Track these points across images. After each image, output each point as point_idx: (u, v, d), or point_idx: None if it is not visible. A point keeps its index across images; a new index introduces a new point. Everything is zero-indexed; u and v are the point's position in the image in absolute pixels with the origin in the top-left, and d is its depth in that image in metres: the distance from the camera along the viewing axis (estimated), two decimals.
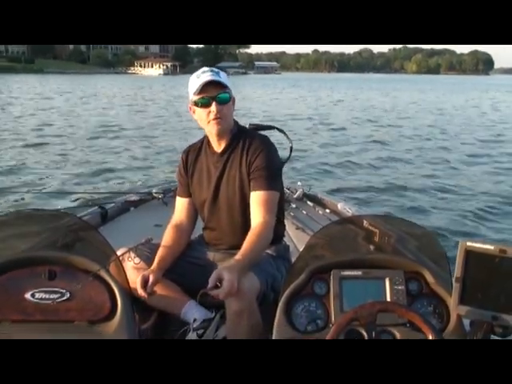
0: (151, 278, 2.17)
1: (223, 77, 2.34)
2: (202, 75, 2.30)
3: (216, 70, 2.36)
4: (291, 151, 3.40)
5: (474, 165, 11.92)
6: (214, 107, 2.28)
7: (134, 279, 2.16)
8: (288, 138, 3.45)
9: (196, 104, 2.33)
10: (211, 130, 2.36)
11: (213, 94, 2.28)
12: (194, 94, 2.31)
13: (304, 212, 4.01)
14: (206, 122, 2.33)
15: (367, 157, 12.45)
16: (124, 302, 1.75)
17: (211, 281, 1.94)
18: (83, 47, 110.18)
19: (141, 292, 2.15)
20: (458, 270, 1.46)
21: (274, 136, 2.71)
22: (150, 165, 10.99)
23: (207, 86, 2.27)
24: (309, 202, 4.29)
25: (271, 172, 2.33)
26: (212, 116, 2.30)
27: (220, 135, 2.37)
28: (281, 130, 3.38)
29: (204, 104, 2.30)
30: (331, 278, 1.76)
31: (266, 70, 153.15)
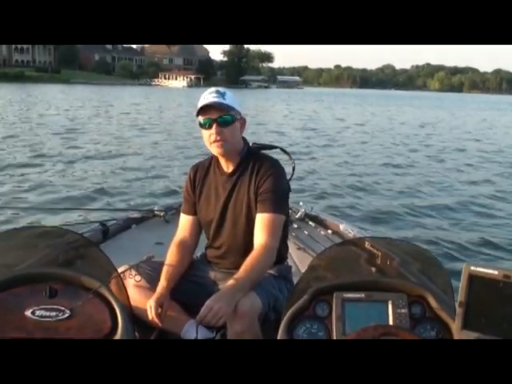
0: (165, 305, 2.17)
1: (229, 98, 2.29)
2: (207, 96, 2.28)
3: (222, 90, 2.32)
4: (293, 171, 3.40)
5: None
6: (213, 129, 2.26)
7: (135, 297, 2.15)
8: (291, 157, 3.47)
9: (200, 125, 2.32)
10: (214, 152, 2.35)
11: (213, 116, 2.26)
12: (197, 115, 2.31)
13: (306, 232, 3.97)
14: (208, 143, 2.33)
15: (372, 178, 12.14)
16: (124, 320, 1.74)
17: (202, 311, 1.97)
18: (109, 59, 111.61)
19: (154, 318, 2.13)
20: (461, 295, 1.44)
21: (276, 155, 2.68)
22: (154, 183, 10.66)
23: (209, 108, 2.26)
24: (311, 223, 4.24)
25: (279, 196, 2.31)
26: (213, 138, 2.28)
27: (225, 157, 2.36)
28: (284, 150, 3.39)
29: (206, 126, 2.29)
30: (333, 299, 1.75)
31: (288, 85, 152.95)
